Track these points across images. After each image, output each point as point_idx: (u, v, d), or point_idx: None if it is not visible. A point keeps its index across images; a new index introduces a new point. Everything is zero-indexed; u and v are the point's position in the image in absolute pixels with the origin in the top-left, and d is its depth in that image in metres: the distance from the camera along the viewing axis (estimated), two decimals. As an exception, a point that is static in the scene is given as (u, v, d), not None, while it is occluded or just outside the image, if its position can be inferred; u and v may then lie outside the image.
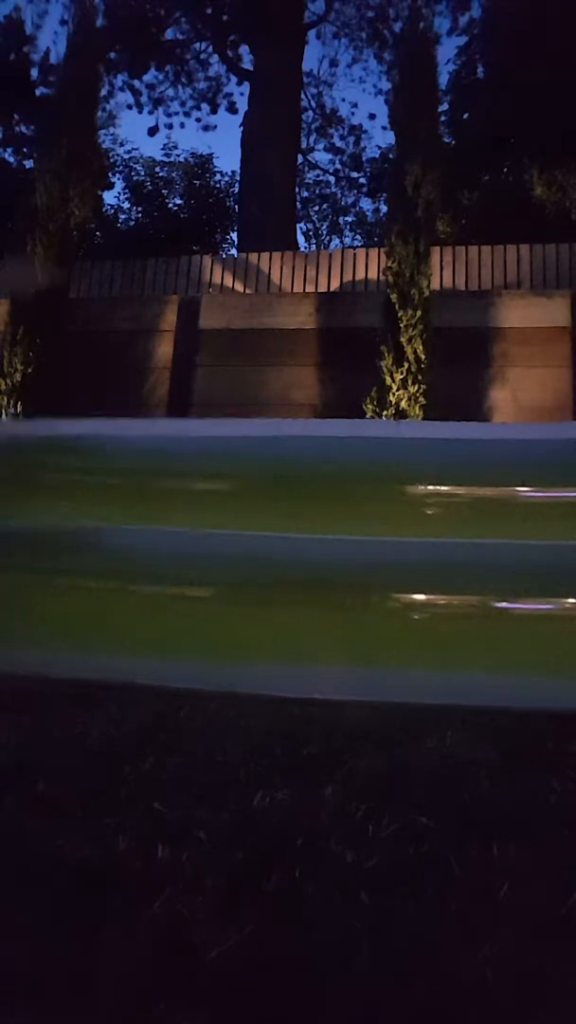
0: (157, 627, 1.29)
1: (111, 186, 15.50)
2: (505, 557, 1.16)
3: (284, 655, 1.21)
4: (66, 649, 1.38)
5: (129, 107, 19.21)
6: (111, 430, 1.54)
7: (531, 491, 1.22)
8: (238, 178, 13.63)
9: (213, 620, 1.25)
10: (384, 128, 25.97)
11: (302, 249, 13.96)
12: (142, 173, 16.21)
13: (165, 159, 16.33)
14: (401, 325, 6.54)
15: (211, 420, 1.66)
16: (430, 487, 1.23)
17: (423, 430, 1.92)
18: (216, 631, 1.24)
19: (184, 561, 1.30)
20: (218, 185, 16.00)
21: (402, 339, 6.50)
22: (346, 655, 1.17)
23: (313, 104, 15.84)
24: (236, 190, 14.42)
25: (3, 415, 6.82)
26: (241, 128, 12.80)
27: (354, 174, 17.15)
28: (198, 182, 15.98)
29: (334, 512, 1.25)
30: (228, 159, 43.66)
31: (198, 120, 15.32)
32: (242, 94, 14.47)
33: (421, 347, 6.48)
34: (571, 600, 1.12)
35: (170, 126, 19.43)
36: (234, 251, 13.70)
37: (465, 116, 11.97)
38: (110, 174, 14.74)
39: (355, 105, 28.39)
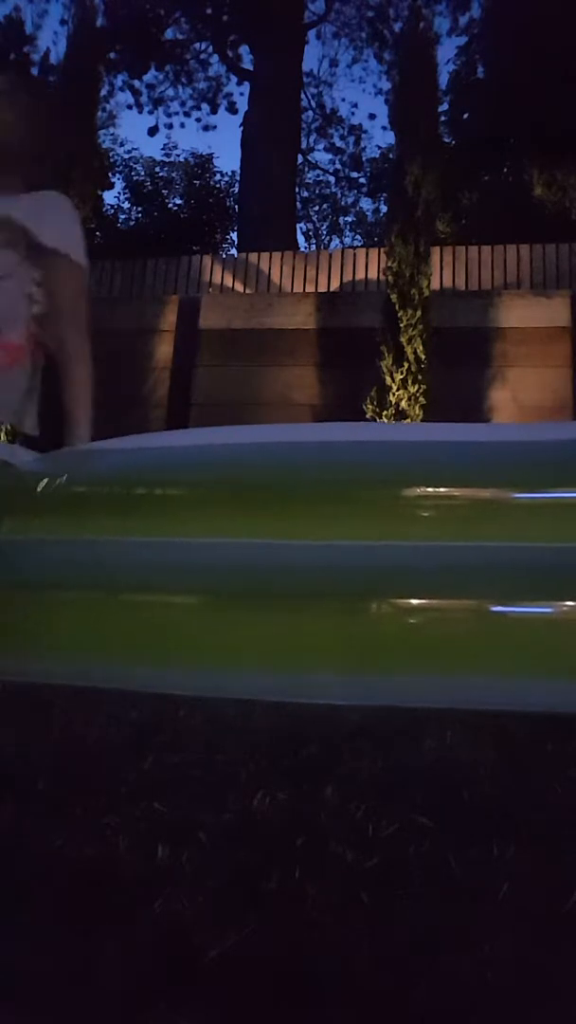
0: (154, 636, 1.28)
1: (111, 186, 15.50)
2: (502, 559, 1.15)
3: (282, 661, 1.20)
4: (65, 659, 1.38)
5: (129, 107, 19.23)
6: (100, 444, 1.55)
7: (527, 493, 1.21)
8: (238, 178, 13.65)
9: (210, 628, 1.25)
10: (384, 128, 26.03)
11: (302, 249, 13.95)
12: (142, 173, 16.21)
13: (165, 159, 16.35)
14: (401, 325, 6.54)
15: (202, 430, 1.67)
16: (425, 490, 1.22)
17: (418, 432, 1.91)
18: (213, 639, 1.24)
19: (183, 570, 1.29)
20: (218, 185, 16.00)
21: (402, 339, 6.50)
22: (344, 660, 1.17)
23: (313, 104, 15.85)
24: (236, 190, 14.42)
25: None
26: (241, 128, 12.81)
27: (354, 174, 17.16)
28: (198, 182, 15.98)
29: (329, 517, 1.25)
30: (228, 159, 43.73)
31: (198, 120, 15.33)
32: (242, 94, 14.48)
33: (421, 347, 6.47)
34: (570, 603, 1.12)
35: (170, 126, 19.45)
36: (234, 251, 13.70)
37: (465, 116, 11.97)
38: (110, 174, 14.73)
39: (355, 105, 28.41)
